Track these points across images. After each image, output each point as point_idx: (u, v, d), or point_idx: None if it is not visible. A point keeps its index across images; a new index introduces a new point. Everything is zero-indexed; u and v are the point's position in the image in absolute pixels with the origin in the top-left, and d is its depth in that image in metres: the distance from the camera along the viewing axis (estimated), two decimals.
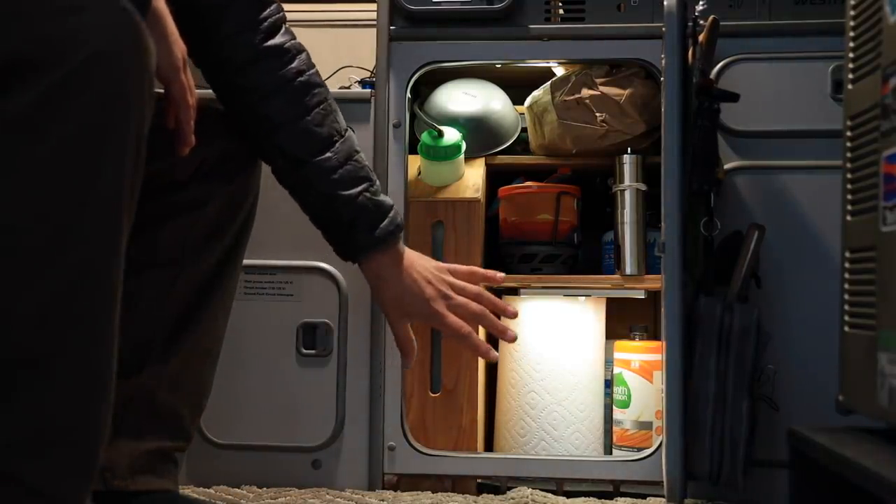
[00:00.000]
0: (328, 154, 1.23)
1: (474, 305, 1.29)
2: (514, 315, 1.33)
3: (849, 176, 1.05)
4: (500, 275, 1.38)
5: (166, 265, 1.24)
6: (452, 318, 1.28)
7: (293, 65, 1.23)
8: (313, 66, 1.26)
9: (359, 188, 1.25)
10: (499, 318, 1.31)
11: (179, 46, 1.17)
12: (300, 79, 1.23)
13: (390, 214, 1.27)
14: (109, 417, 0.88)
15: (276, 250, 1.60)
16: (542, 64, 1.74)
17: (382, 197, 1.27)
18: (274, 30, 1.23)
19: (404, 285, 1.28)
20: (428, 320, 1.30)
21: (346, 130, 1.27)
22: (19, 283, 0.82)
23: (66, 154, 0.83)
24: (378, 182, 1.28)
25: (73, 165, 0.83)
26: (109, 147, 0.85)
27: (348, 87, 1.71)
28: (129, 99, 0.85)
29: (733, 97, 1.48)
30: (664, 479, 1.40)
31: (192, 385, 1.26)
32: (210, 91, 1.30)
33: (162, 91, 1.17)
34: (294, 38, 1.25)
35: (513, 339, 1.32)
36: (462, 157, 1.68)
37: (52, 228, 0.82)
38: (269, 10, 1.23)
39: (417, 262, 1.29)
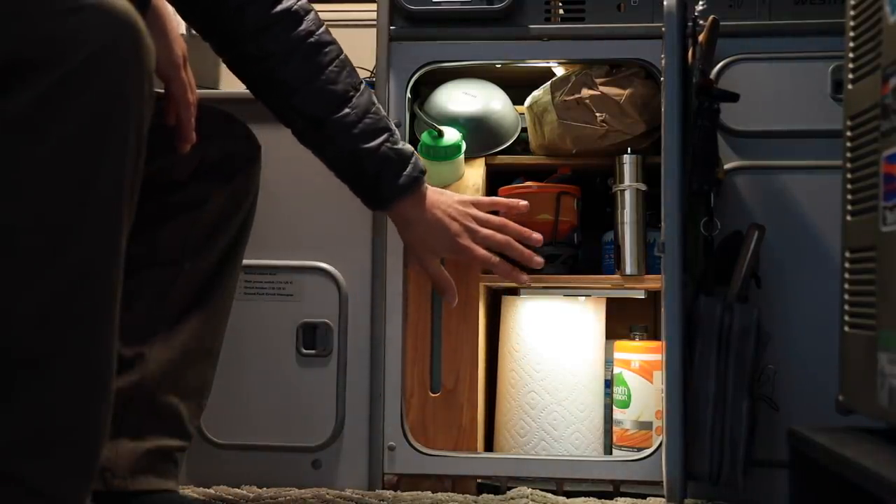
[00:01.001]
0: (346, 110, 1.24)
1: (499, 236, 1.32)
2: (538, 241, 1.35)
3: (849, 176, 1.05)
4: (524, 203, 1.40)
5: (166, 264, 1.24)
6: (480, 251, 1.31)
7: (303, 26, 1.23)
8: (322, 23, 1.27)
9: (380, 139, 1.26)
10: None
11: (180, 44, 1.17)
12: (311, 39, 1.24)
13: (412, 161, 1.29)
14: (109, 417, 0.88)
15: (277, 250, 1.60)
16: (542, 64, 1.74)
17: (403, 145, 1.29)
18: None
19: (430, 225, 1.30)
20: (456, 255, 1.34)
21: (362, 84, 1.28)
22: (19, 283, 0.82)
23: (66, 154, 0.83)
24: (397, 131, 1.30)
25: (73, 165, 0.83)
26: (109, 147, 0.85)
27: None
28: (128, 98, 0.85)
29: (733, 97, 1.48)
30: (664, 479, 1.40)
31: (193, 384, 1.26)
32: (205, 91, 1.30)
33: (162, 91, 1.17)
34: None
35: (539, 265, 1.35)
36: (462, 157, 1.68)
37: (52, 228, 0.83)
38: None
39: (440, 199, 1.32)
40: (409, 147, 1.29)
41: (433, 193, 1.31)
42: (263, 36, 1.22)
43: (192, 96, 1.20)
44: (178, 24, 1.30)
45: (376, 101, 1.28)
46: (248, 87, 1.28)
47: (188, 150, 1.20)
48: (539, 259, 1.35)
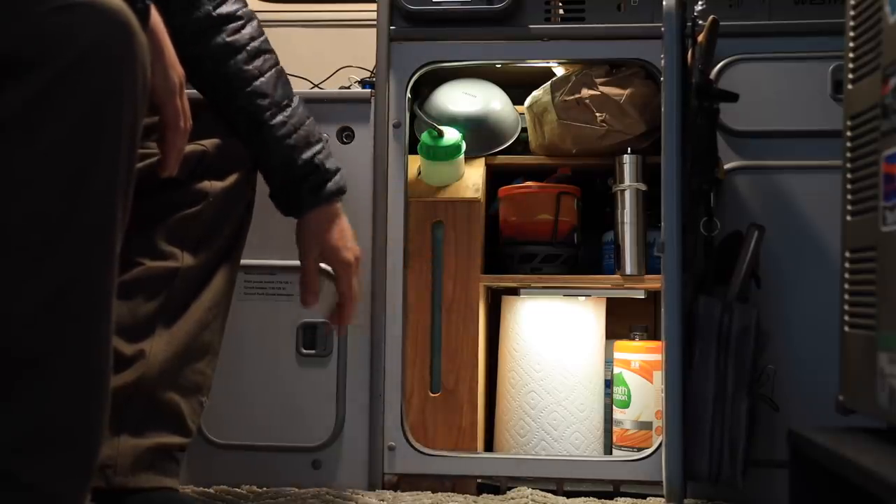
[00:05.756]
0: (282, 117, 1.30)
1: (356, 290, 1.38)
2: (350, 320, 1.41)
3: (849, 176, 1.05)
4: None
5: (165, 262, 1.24)
6: (349, 276, 1.37)
7: (245, 31, 1.28)
8: (263, 33, 1.32)
9: (312, 151, 1.32)
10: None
11: (177, 70, 1.17)
12: (253, 44, 1.29)
13: (335, 178, 1.35)
14: (107, 415, 0.88)
15: (276, 250, 1.59)
16: (542, 64, 1.74)
17: (331, 160, 1.35)
18: None
19: (327, 232, 1.36)
20: (333, 260, 1.37)
21: (295, 97, 1.34)
22: (14, 283, 0.82)
23: (59, 152, 0.83)
24: (328, 145, 1.36)
25: (66, 164, 0.83)
26: (102, 145, 0.85)
27: (348, 87, 1.71)
28: (121, 96, 0.85)
29: (733, 97, 1.48)
30: (664, 479, 1.40)
31: (192, 382, 1.26)
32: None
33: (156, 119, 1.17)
34: (245, 5, 1.30)
35: (342, 331, 1.47)
36: (462, 157, 1.68)
37: (46, 227, 0.82)
38: None
39: (347, 227, 1.38)
40: (335, 164, 1.35)
41: (342, 215, 1.37)
42: (206, 36, 1.26)
43: (184, 125, 1.19)
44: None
45: (310, 115, 1.34)
46: (196, 88, 1.31)
47: (165, 175, 1.20)
48: (345, 329, 1.43)
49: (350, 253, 1.37)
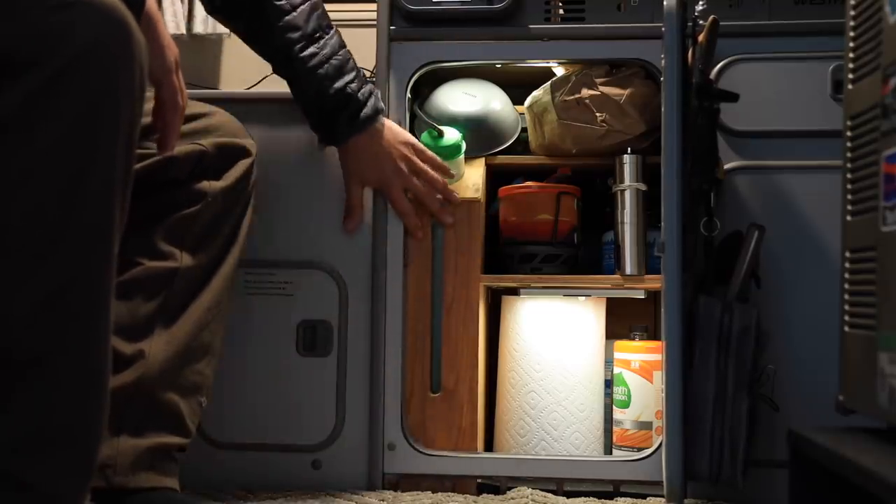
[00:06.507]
0: (313, 49, 1.37)
1: (419, 188, 1.52)
2: (456, 200, 1.57)
3: (849, 176, 1.05)
4: (456, 196, 1.59)
5: (164, 262, 1.24)
6: (399, 194, 1.51)
7: None
8: None
9: (344, 80, 1.40)
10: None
11: (172, 49, 1.17)
12: None
13: (370, 101, 1.44)
14: (107, 415, 0.88)
15: (276, 248, 1.60)
16: (542, 64, 1.74)
17: (366, 86, 1.43)
18: None
19: (369, 158, 1.47)
20: (381, 188, 1.52)
21: (332, 28, 1.41)
22: (12, 283, 0.82)
23: (56, 152, 0.83)
24: (361, 72, 1.44)
25: (63, 163, 0.83)
26: (100, 143, 0.85)
27: None
28: (118, 94, 0.85)
29: (733, 97, 1.48)
30: (664, 479, 1.40)
31: (192, 382, 1.26)
32: (205, 91, 1.30)
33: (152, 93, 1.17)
34: None
35: (450, 223, 1.57)
36: (462, 157, 1.68)
37: (44, 226, 0.82)
38: None
39: (389, 136, 1.49)
40: (368, 90, 1.43)
41: (381, 131, 1.47)
42: None
43: (181, 101, 1.20)
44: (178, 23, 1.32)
45: (344, 45, 1.42)
46: (232, 29, 1.42)
47: (166, 154, 1.20)
48: (449, 218, 1.56)
49: (394, 175, 1.46)
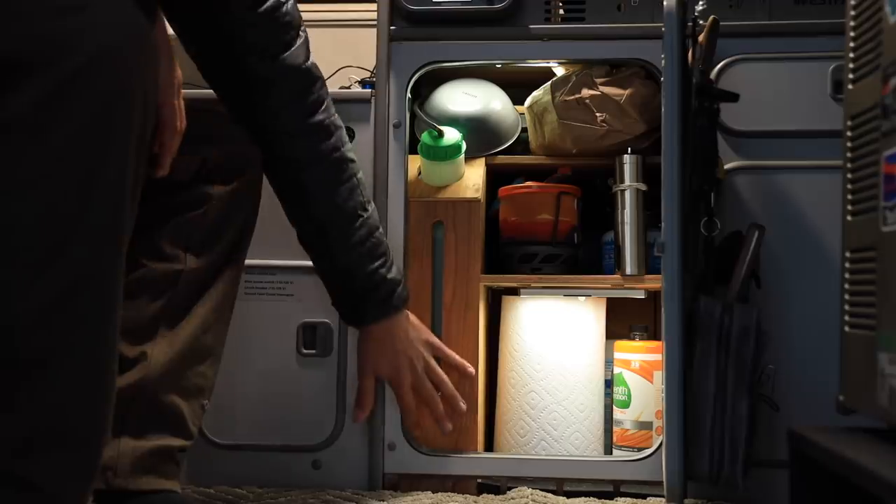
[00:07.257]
0: (352, 227, 1.33)
1: (429, 389, 1.50)
2: (461, 413, 1.55)
3: (849, 176, 1.05)
4: (470, 368, 1.57)
5: (168, 264, 1.24)
6: (406, 393, 1.48)
7: (331, 141, 1.30)
8: (347, 140, 1.34)
9: (376, 264, 1.36)
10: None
11: (176, 73, 1.17)
12: (335, 154, 1.31)
13: (398, 289, 1.41)
14: (111, 416, 0.88)
15: (277, 250, 1.59)
16: (542, 64, 1.74)
17: (394, 271, 1.40)
18: (317, 107, 1.28)
19: (388, 352, 1.44)
20: (391, 381, 1.49)
21: (369, 204, 1.36)
22: (21, 283, 0.82)
23: (68, 154, 0.83)
24: (392, 256, 1.40)
25: (75, 165, 0.83)
26: (111, 146, 0.85)
27: (348, 87, 1.71)
28: (131, 98, 0.85)
29: (733, 97, 1.48)
30: (664, 479, 1.40)
31: (194, 385, 1.26)
32: (205, 91, 1.30)
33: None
34: (333, 114, 1.32)
35: (447, 430, 1.55)
36: (462, 157, 1.68)
37: (55, 228, 0.83)
38: (314, 87, 1.28)
39: (410, 331, 1.46)
40: (398, 276, 1.40)
41: (405, 322, 1.44)
42: (294, 141, 1.29)
43: (180, 125, 1.20)
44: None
45: (380, 226, 1.38)
46: (270, 183, 1.35)
47: (160, 175, 1.20)
48: (449, 426, 1.53)
49: (407, 372, 1.45)
